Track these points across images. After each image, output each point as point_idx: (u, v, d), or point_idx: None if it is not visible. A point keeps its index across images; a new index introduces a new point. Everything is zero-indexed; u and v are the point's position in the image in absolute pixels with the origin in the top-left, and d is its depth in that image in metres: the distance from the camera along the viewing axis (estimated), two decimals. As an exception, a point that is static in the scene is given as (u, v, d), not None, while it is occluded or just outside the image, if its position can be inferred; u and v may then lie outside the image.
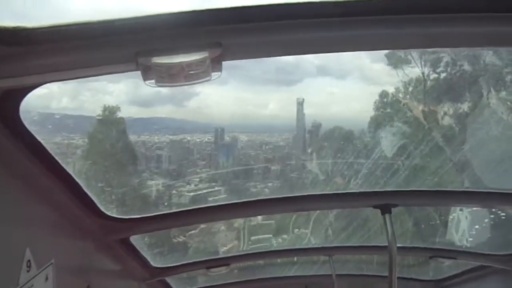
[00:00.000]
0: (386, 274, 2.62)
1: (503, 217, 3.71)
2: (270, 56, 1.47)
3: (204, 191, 7.40)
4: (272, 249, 3.49)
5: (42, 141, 1.67)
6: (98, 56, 1.33)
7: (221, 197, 7.55)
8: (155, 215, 2.50)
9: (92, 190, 2.10)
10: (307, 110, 6.78)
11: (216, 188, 7.50)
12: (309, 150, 7.27)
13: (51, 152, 1.74)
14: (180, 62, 1.31)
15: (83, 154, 4.42)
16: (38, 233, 1.86)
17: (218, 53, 1.32)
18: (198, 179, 7.55)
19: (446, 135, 4.93)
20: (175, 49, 1.30)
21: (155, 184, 7.18)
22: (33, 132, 1.60)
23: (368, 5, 1.29)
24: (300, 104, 6.75)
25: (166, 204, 6.38)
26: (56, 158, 1.78)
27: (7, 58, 1.25)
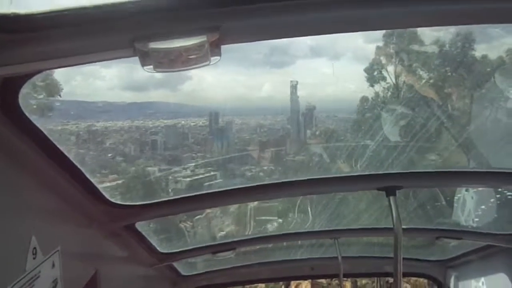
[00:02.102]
0: (392, 255, 2.64)
1: (509, 197, 3.76)
2: (270, 39, 1.47)
3: (200, 176, 7.42)
4: (278, 232, 3.52)
5: (43, 129, 1.67)
6: (95, 42, 1.32)
7: (217, 182, 7.60)
8: (159, 201, 2.51)
9: (95, 177, 2.10)
10: (301, 92, 6.77)
11: (212, 173, 7.53)
12: (306, 132, 7.29)
13: (52, 140, 1.74)
14: (178, 47, 1.31)
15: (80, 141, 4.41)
16: (43, 221, 1.87)
17: (216, 37, 1.31)
18: (194, 164, 7.57)
19: (451, 115, 4.95)
20: (172, 33, 1.30)
21: (153, 171, 7.20)
22: (33, 120, 1.60)
23: None
24: (294, 86, 6.73)
25: (169, 190, 6.41)
26: (58, 146, 1.78)
27: (4, 46, 1.24)
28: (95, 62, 1.44)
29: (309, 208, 4.42)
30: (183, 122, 7.49)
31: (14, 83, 1.43)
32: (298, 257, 4.01)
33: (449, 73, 5.34)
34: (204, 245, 3.30)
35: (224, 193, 2.72)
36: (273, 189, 2.72)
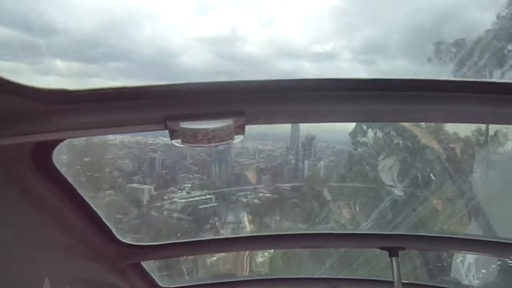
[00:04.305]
0: None
1: (510, 264, 3.88)
2: (288, 123, 1.59)
3: (196, 198, 7.49)
4: (278, 276, 3.58)
5: (70, 179, 1.76)
6: (130, 117, 1.42)
7: (212, 205, 7.65)
8: (168, 243, 2.60)
9: (109, 218, 2.19)
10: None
11: (208, 196, 7.59)
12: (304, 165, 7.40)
13: (76, 187, 1.83)
14: (206, 128, 1.42)
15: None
16: (56, 261, 1.95)
17: (242, 122, 1.43)
18: (190, 186, 7.63)
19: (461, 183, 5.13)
20: (202, 116, 1.40)
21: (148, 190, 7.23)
22: (63, 173, 1.70)
23: (367, 82, 1.45)
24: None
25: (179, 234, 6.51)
26: (80, 191, 1.87)
27: (46, 115, 1.35)
28: (126, 133, 1.54)
29: (310, 255, 4.49)
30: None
31: (50, 144, 1.54)
32: None
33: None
34: (204, 282, 3.37)
35: (230, 241, 2.82)
36: (279, 240, 2.81)
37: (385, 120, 1.75)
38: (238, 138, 1.51)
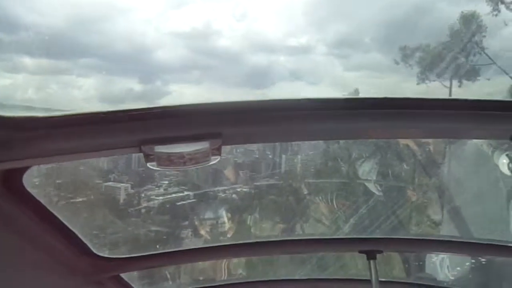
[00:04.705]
0: None
1: (483, 262, 4.07)
2: (265, 142, 1.58)
3: (174, 195, 7.43)
4: (257, 279, 3.63)
5: (41, 200, 1.72)
6: (103, 142, 1.39)
7: (190, 201, 7.61)
8: (145, 255, 2.57)
9: (84, 232, 2.16)
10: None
11: (186, 193, 7.55)
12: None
13: (48, 207, 1.79)
14: (181, 152, 1.40)
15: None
16: (30, 280, 1.92)
17: (218, 144, 1.41)
18: (167, 183, 7.57)
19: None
20: (178, 139, 1.38)
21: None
22: (34, 195, 1.65)
23: (342, 101, 1.50)
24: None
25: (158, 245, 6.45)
26: (52, 210, 1.83)
27: (16, 143, 1.31)
28: (99, 157, 1.51)
29: (290, 256, 4.55)
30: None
31: (20, 169, 1.49)
32: None
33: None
34: None
35: (209, 249, 2.82)
36: (259, 247, 2.83)
37: (362, 138, 1.78)
38: (214, 160, 1.50)
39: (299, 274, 4.58)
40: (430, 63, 6.42)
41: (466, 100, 1.46)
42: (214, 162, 1.50)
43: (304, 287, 3.36)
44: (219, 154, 1.48)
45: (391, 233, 5.70)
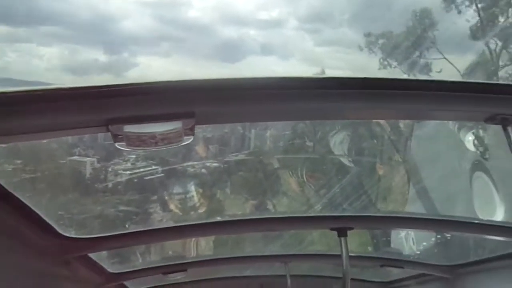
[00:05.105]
0: (341, 275, 2.82)
1: (448, 237, 4.28)
2: (239, 122, 1.53)
3: (142, 170, 7.29)
4: (229, 255, 3.63)
5: (1, 182, 1.62)
6: (67, 121, 1.30)
7: (159, 176, 7.49)
8: (113, 235, 2.51)
9: (49, 214, 2.07)
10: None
11: (154, 167, 7.42)
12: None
13: (7, 187, 1.69)
14: (153, 132, 1.32)
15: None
16: None
17: (192, 123, 1.35)
18: (134, 157, 7.42)
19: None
20: (148, 118, 1.31)
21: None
22: None
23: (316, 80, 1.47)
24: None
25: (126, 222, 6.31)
26: (11, 191, 1.73)
27: None
28: (66, 136, 1.41)
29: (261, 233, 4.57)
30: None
31: None
32: (248, 274, 4.15)
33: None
34: (154, 265, 3.32)
35: (180, 228, 2.78)
36: (230, 226, 2.82)
37: (337, 118, 1.76)
38: (187, 140, 1.43)
39: (270, 250, 4.63)
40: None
41: (443, 82, 1.45)
42: (187, 142, 1.44)
43: (276, 262, 3.40)
44: (192, 134, 1.42)
45: (361, 211, 5.86)
